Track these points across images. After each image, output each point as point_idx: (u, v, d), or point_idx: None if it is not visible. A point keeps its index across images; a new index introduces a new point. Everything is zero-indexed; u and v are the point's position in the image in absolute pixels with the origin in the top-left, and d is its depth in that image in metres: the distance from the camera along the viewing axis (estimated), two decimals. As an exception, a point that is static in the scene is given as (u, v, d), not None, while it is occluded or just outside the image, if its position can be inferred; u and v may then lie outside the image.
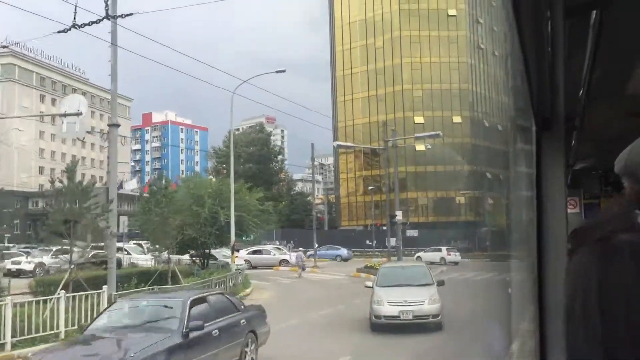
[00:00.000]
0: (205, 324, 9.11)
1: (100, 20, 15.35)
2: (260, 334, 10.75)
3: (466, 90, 70.44)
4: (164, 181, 21.71)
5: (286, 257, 39.48)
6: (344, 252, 34.79)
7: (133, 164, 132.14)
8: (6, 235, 43.96)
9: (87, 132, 35.30)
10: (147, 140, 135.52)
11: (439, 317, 13.63)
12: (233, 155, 74.18)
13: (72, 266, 15.68)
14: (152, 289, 16.11)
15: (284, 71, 25.79)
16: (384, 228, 68.00)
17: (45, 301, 13.68)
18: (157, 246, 21.56)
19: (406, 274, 15.57)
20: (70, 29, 15.33)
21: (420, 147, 68.55)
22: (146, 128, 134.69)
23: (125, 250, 34.50)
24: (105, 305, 13.54)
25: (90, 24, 15.13)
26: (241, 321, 10.33)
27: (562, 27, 1.76)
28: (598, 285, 1.21)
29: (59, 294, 13.78)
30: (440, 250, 46.66)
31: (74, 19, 15.05)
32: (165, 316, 9.23)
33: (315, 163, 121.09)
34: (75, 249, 15.87)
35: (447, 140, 69.20)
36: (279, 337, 11.95)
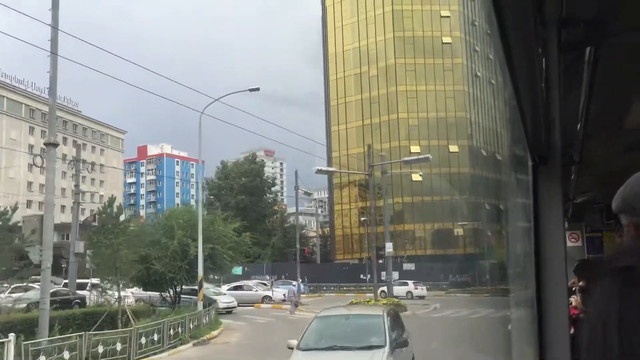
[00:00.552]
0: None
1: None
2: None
3: (463, 118, 68.64)
4: (115, 209, 19.34)
5: (269, 293, 36.88)
6: (294, 288, 31.75)
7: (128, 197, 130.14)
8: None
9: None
10: (142, 174, 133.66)
11: None
12: (222, 186, 71.44)
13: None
14: (81, 335, 13.68)
15: (257, 89, 23.81)
16: (380, 261, 65.65)
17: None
18: (105, 282, 19.15)
19: (349, 329, 10.43)
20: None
21: (416, 176, 66.50)
22: (141, 161, 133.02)
23: (100, 287, 32.07)
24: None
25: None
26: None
27: (557, 63, 1.78)
28: (618, 316, 1.19)
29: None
30: (407, 284, 44.42)
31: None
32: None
33: (313, 196, 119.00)
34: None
35: (444, 169, 67.21)
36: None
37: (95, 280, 27.68)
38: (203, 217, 29.37)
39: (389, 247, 31.33)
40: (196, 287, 33.76)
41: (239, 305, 32.35)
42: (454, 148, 68.05)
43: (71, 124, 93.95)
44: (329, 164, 72.86)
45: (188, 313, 20.49)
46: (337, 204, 72.51)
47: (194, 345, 18.66)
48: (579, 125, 2.74)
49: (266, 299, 36.25)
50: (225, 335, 21.35)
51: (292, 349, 9.80)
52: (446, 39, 69.37)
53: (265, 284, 40.09)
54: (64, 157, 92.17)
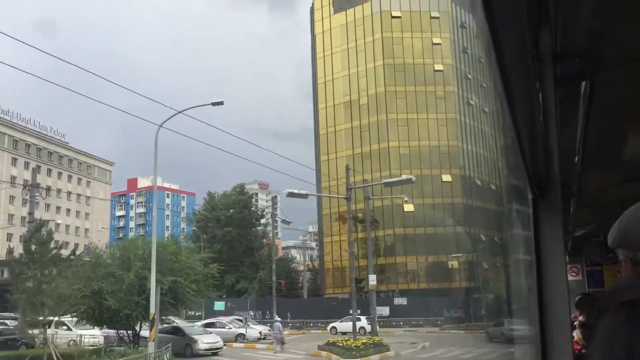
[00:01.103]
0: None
1: None
2: None
3: (455, 147, 66.65)
4: (43, 233, 16.93)
5: (242, 331, 34.07)
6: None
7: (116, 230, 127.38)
8: None
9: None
10: (131, 207, 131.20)
11: None
12: (209, 217, 68.66)
13: None
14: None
15: (221, 103, 21.68)
16: (377, 295, 62.82)
17: None
18: (27, 320, 16.61)
19: None
20: None
21: (408, 207, 64.23)
22: (131, 194, 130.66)
23: (65, 324, 29.41)
24: None
25: None
26: None
27: (554, 97, 1.78)
28: (626, 348, 1.24)
29: None
30: (359, 319, 41.94)
31: None
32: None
33: (309, 230, 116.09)
34: None
35: (437, 200, 64.95)
36: None
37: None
38: (171, 248, 27.00)
39: (372, 279, 28.79)
40: (177, 323, 31.17)
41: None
42: (446, 177, 65.90)
43: (57, 155, 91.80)
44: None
45: (133, 356, 17.87)
46: (327, 236, 69.93)
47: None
48: (576, 158, 2.79)
49: (240, 337, 33.43)
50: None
51: None
52: (437, 66, 67.88)
53: (240, 321, 37.27)
54: (48, 189, 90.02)
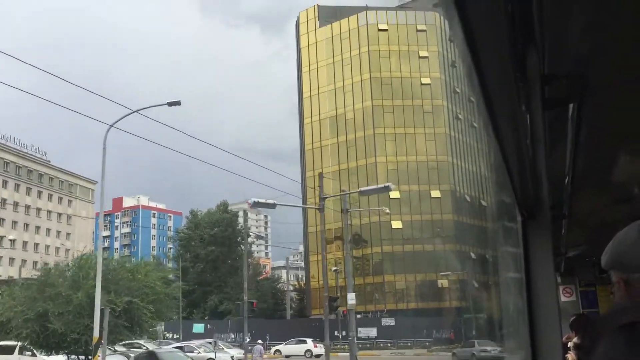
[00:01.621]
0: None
1: None
2: None
3: (444, 162, 64.88)
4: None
5: (211, 355, 31.72)
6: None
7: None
8: None
9: None
10: (116, 227, 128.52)
11: None
12: (191, 236, 66.21)
13: None
14: None
15: (178, 103, 19.74)
16: (357, 316, 60.36)
17: None
18: None
19: None
20: None
21: (396, 224, 62.31)
22: (116, 213, 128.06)
23: (30, 350, 27.03)
24: None
25: None
26: None
27: (542, 119, 1.80)
28: None
29: None
30: (305, 342, 40.04)
31: None
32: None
33: (300, 250, 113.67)
34: None
35: (426, 216, 63.05)
36: None
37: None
38: (128, 265, 24.86)
39: (351, 298, 26.66)
40: (141, 343, 28.82)
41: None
42: (435, 193, 64.04)
43: (37, 173, 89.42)
44: (305, 210, 68.54)
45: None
46: (312, 254, 67.68)
47: None
48: (566, 180, 2.79)
49: (210, 362, 31.18)
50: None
51: None
52: (425, 80, 66.43)
53: (214, 343, 34.87)
54: (27, 207, 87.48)
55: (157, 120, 21.60)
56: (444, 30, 69.78)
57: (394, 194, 63.34)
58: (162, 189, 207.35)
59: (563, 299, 7.86)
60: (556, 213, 3.19)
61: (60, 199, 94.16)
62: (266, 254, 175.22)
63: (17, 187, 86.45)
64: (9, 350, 26.48)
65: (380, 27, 67.26)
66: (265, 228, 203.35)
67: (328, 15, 70.32)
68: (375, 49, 66.79)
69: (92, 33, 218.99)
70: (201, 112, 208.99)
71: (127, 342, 27.27)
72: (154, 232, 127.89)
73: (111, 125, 20.00)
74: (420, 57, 67.03)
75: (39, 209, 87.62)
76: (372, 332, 53.04)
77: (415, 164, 64.30)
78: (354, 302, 26.96)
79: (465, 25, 0.93)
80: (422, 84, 66.30)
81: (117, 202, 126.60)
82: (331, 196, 26.02)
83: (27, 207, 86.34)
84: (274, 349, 43.06)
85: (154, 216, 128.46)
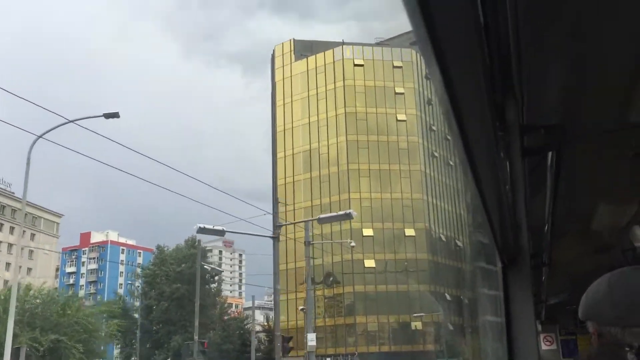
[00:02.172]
0: None
1: None
2: None
3: (419, 200, 63.31)
4: None
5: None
6: None
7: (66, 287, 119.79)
8: None
9: None
10: (83, 262, 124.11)
11: None
12: (157, 273, 63.04)
13: None
14: None
15: (116, 115, 17.77)
16: (327, 359, 57.53)
17: None
18: None
19: None
20: None
21: (369, 262, 60.20)
22: (84, 249, 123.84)
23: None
24: None
25: None
26: None
27: (521, 167, 1.82)
28: None
29: None
30: None
31: None
32: None
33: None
34: None
35: (400, 255, 61.06)
36: None
37: None
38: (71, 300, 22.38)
39: (311, 339, 24.42)
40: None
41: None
42: (410, 232, 62.21)
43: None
44: (276, 248, 66.04)
45: None
46: (282, 293, 64.97)
47: None
48: (546, 228, 2.77)
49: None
50: None
51: None
52: (401, 116, 65.39)
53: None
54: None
55: (132, 149, 19.75)
56: (421, 67, 69.27)
57: (367, 232, 61.53)
58: (135, 225, 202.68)
59: (544, 347, 7.81)
60: (537, 261, 3.20)
61: (22, 232, 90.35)
62: (240, 293, 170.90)
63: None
64: None
65: (356, 62, 66.45)
66: (240, 267, 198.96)
67: (303, 49, 69.46)
68: (351, 83, 65.80)
69: (66, 63, 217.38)
70: (181, 149, 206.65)
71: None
72: (122, 268, 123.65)
73: (39, 137, 17.89)
74: (396, 93, 66.16)
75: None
76: (342, 377, 50.30)
77: (389, 201, 62.62)
78: (314, 343, 24.71)
79: (443, 73, 0.93)
80: (397, 120, 65.24)
81: (85, 236, 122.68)
82: (287, 224, 23.94)
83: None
84: None
85: (122, 252, 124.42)
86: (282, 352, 21.68)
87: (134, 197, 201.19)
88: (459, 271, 66.76)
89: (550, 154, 1.99)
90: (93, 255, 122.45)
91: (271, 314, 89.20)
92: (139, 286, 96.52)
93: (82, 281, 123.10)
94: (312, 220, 29.08)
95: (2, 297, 20.66)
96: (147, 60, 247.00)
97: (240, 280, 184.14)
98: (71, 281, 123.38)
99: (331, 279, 61.60)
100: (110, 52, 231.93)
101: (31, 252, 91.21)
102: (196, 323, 30.82)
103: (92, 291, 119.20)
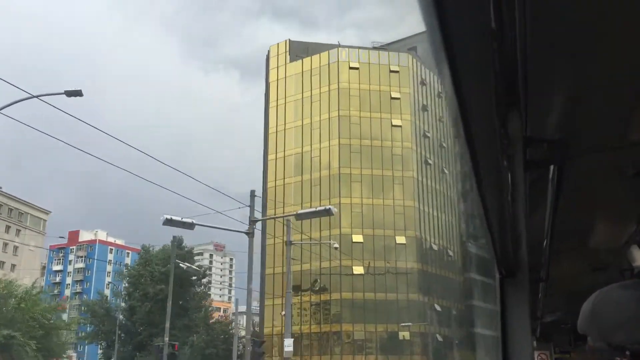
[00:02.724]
0: None
1: None
2: None
3: (411, 207, 62.06)
4: None
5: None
6: None
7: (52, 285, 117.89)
8: None
9: None
10: (70, 261, 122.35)
11: None
12: (141, 273, 61.41)
13: None
14: None
15: (79, 93, 16.49)
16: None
17: None
18: None
19: None
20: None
21: (358, 269, 58.84)
22: (71, 247, 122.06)
23: None
24: None
25: None
26: None
27: (523, 179, 1.84)
28: None
29: None
30: None
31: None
32: None
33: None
34: None
35: (389, 263, 59.68)
36: None
37: None
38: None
39: (287, 345, 23.08)
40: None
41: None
42: (401, 239, 60.92)
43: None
44: (264, 250, 64.79)
45: None
46: (268, 297, 63.63)
47: None
48: (545, 242, 2.76)
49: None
50: None
51: None
52: (396, 121, 64.29)
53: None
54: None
55: (128, 143, 18.51)
56: (417, 73, 68.24)
57: (357, 238, 60.26)
58: (125, 225, 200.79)
59: None
60: (534, 276, 3.07)
61: (7, 227, 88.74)
62: (229, 298, 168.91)
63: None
64: None
65: (352, 64, 65.33)
66: (230, 271, 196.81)
67: (299, 51, 68.31)
68: (346, 86, 64.65)
69: (65, 67, 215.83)
70: (174, 150, 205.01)
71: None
72: (109, 268, 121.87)
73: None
74: (392, 98, 65.02)
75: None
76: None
77: (381, 208, 61.37)
78: (291, 349, 23.36)
79: (454, 77, 0.98)
80: (392, 125, 64.08)
81: (73, 235, 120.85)
82: (263, 219, 22.42)
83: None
84: None
85: (111, 252, 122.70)
86: (252, 357, 20.26)
87: (124, 198, 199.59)
88: (450, 281, 65.49)
89: (552, 168, 1.98)
90: (81, 254, 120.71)
91: (258, 319, 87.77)
92: (123, 287, 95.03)
93: (69, 280, 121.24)
94: (290, 215, 27.78)
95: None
96: (144, 62, 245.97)
97: (230, 285, 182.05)
98: (57, 279, 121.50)
99: (317, 282, 60.37)
100: (108, 52, 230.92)
101: (16, 248, 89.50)
102: (167, 324, 29.44)
103: (78, 290, 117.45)
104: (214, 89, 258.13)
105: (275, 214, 64.62)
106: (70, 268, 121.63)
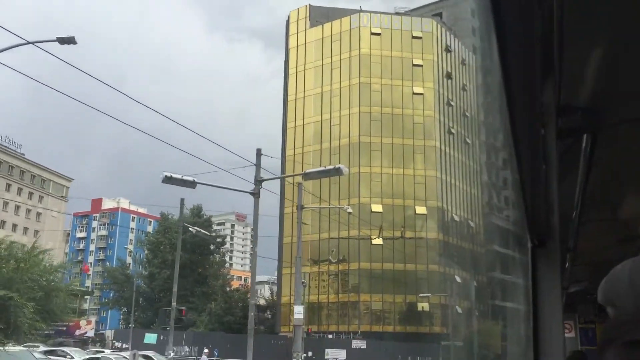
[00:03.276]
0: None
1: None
2: None
3: (432, 177, 60.68)
4: None
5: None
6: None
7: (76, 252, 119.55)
8: None
9: None
10: (93, 229, 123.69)
11: None
12: (160, 241, 61.18)
13: None
14: None
15: (73, 41, 15.66)
16: (329, 336, 55.70)
17: None
18: None
19: None
20: None
21: (377, 240, 57.81)
22: (94, 215, 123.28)
23: None
24: None
25: None
26: None
27: (555, 148, 1.84)
28: None
29: None
30: None
31: None
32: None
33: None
34: None
35: (409, 234, 58.55)
36: None
37: None
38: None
39: (298, 312, 22.35)
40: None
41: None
42: (421, 210, 59.76)
43: (7, 165, 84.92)
44: (282, 220, 64.23)
45: None
46: (286, 267, 63.19)
47: None
48: (574, 213, 2.74)
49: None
50: None
51: None
52: (417, 89, 62.50)
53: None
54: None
55: (155, 109, 17.72)
56: (442, 39, 66.10)
57: (376, 208, 59.24)
58: (147, 194, 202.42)
59: None
60: (563, 245, 3.01)
61: (30, 194, 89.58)
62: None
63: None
64: None
65: (374, 30, 63.45)
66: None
67: (319, 16, 66.57)
68: (367, 53, 62.92)
69: (83, 31, 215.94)
70: (200, 123, 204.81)
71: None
72: (132, 236, 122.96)
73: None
74: (414, 65, 63.16)
75: (5, 203, 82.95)
76: (341, 354, 48.47)
77: (402, 177, 60.10)
78: (301, 316, 22.64)
79: (500, 43, 1.02)
80: (414, 93, 62.36)
81: (97, 203, 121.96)
82: (269, 179, 21.59)
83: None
84: None
85: (133, 220, 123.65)
86: (253, 322, 19.56)
87: (147, 166, 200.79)
88: (471, 253, 64.27)
89: (584, 137, 1.95)
90: (104, 221, 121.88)
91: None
92: (144, 254, 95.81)
93: (92, 247, 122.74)
94: (298, 175, 26.80)
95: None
96: (168, 33, 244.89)
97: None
98: (81, 246, 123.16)
99: (333, 252, 59.72)
100: (133, 25, 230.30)
101: (39, 214, 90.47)
102: (174, 289, 29.04)
103: (101, 257, 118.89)
104: (237, 60, 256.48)
105: (293, 182, 63.72)
106: (93, 235, 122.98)
